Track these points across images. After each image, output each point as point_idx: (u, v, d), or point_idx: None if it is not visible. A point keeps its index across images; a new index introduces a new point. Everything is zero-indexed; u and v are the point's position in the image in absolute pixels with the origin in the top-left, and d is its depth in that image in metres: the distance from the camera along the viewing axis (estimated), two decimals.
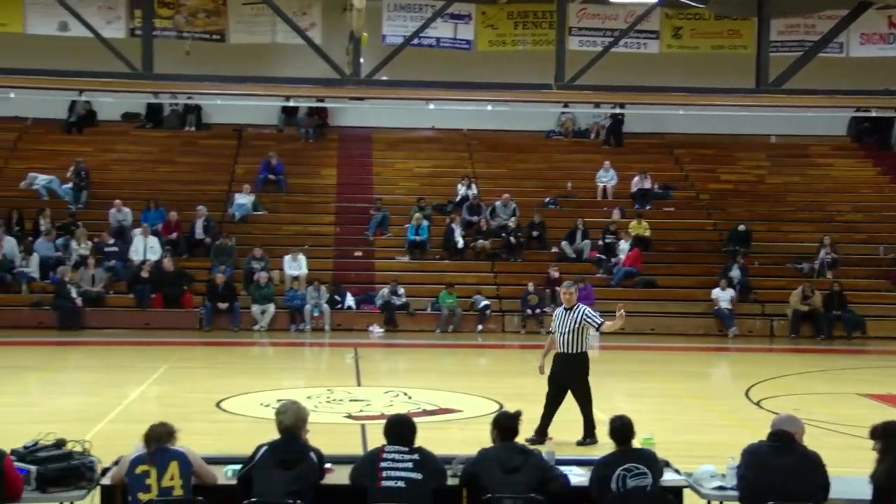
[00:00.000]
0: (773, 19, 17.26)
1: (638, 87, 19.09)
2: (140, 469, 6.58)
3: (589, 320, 11.24)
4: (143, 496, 6.51)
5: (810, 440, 7.04)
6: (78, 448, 7.12)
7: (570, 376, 11.29)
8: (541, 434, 10.90)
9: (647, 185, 27.81)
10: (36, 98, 25.40)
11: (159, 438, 6.68)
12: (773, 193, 28.87)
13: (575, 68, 15.75)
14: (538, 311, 23.12)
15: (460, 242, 25.37)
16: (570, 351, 11.25)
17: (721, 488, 7.13)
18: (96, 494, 7.03)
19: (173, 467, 6.59)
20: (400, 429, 6.90)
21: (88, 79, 18.45)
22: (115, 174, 27.79)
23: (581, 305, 11.48)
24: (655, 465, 6.87)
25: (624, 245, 25.36)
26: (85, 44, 19.78)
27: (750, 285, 24.59)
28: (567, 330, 11.22)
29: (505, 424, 7.09)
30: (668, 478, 7.14)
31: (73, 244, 23.92)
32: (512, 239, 25.45)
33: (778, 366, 19.59)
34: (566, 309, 11.35)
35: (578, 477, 7.20)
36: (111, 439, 9.85)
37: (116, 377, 16.49)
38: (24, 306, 22.66)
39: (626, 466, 6.71)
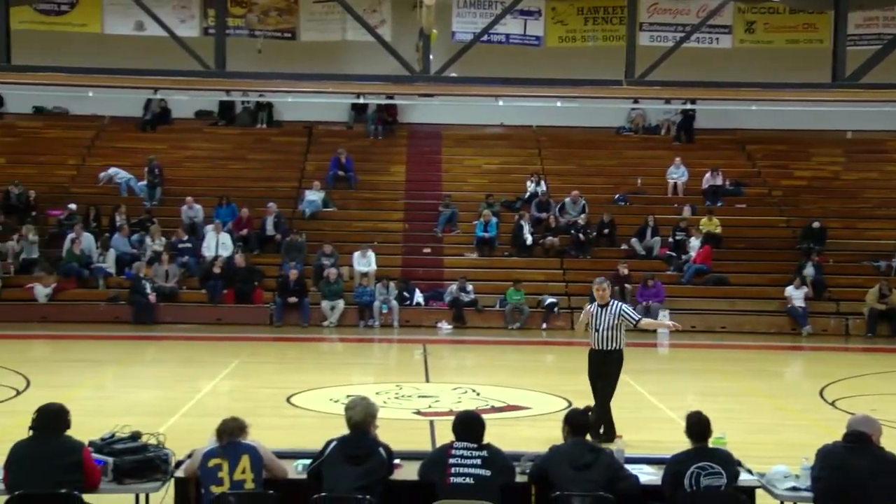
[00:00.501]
0: (851, 12, 16.85)
1: (710, 83, 18.73)
2: (213, 462, 6.67)
3: (627, 316, 11.10)
4: (215, 489, 6.59)
5: (888, 441, 6.87)
6: (153, 441, 7.23)
7: (603, 371, 11.11)
8: (608, 435, 10.80)
9: (719, 181, 27.49)
10: (113, 97, 25.98)
11: (231, 432, 6.76)
12: (848, 190, 28.34)
13: (645, 64, 15.52)
14: None
15: (529, 239, 25.28)
16: (607, 348, 11.10)
17: (794, 489, 7.01)
18: (170, 487, 7.14)
19: (245, 461, 6.66)
20: (469, 425, 6.89)
21: (163, 77, 18.67)
22: (188, 171, 28.24)
23: (615, 302, 11.33)
24: (731, 466, 6.77)
25: (695, 242, 25.09)
26: (160, 43, 20.05)
27: (824, 283, 24.16)
28: (605, 327, 11.05)
29: (576, 421, 7.06)
30: (741, 477, 7.02)
31: (148, 240, 24.37)
32: (581, 236, 25.29)
33: (853, 365, 19.21)
34: (601, 306, 11.16)
35: (648, 476, 7.14)
36: (184, 433, 10.01)
37: (189, 371, 16.78)
38: (100, 301, 23.11)
39: (700, 464, 6.63)
